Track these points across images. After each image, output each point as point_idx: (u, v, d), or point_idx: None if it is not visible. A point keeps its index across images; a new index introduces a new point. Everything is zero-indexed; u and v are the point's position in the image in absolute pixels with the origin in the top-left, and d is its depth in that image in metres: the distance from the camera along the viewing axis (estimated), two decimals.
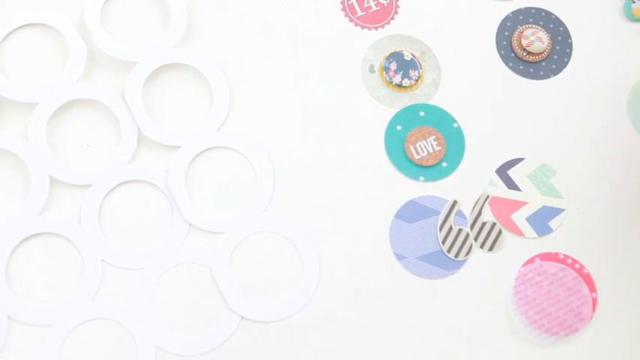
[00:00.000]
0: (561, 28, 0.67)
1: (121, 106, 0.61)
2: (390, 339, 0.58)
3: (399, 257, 0.60)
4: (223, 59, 0.64)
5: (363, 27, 0.66)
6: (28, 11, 0.63)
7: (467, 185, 0.62)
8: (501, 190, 0.62)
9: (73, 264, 0.58)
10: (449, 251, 0.60)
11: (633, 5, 0.67)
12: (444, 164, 0.62)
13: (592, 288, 0.60)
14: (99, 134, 0.62)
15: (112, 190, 0.60)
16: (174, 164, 0.60)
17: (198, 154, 0.61)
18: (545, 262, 0.60)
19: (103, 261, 0.58)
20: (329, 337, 0.58)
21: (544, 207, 0.62)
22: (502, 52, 0.66)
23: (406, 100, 0.64)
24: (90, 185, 0.60)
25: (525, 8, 0.67)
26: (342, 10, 0.66)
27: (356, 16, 0.66)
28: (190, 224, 0.60)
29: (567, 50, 0.66)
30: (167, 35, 0.63)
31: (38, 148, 0.60)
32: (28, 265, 0.58)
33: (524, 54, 0.66)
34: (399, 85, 0.64)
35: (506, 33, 0.66)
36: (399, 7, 0.67)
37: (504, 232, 0.61)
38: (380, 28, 0.66)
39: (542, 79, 0.66)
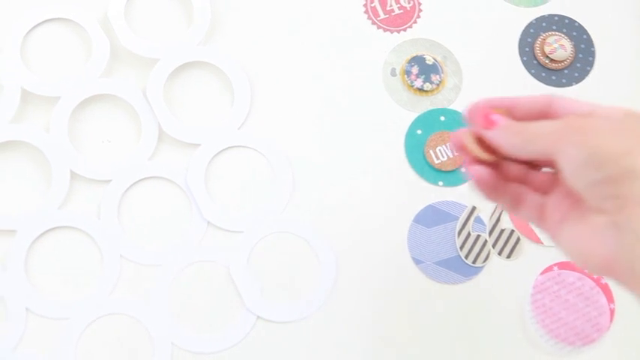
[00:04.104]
0: (585, 36, 0.67)
1: (142, 102, 0.61)
2: (406, 343, 0.58)
3: (417, 262, 0.60)
4: (245, 59, 0.64)
5: (385, 30, 0.66)
6: (52, 6, 0.63)
7: None
8: None
9: (91, 258, 0.59)
10: (467, 257, 0.60)
11: None
12: (464, 169, 0.62)
13: (610, 298, 0.60)
14: (120, 130, 0.62)
15: (131, 186, 0.60)
16: (194, 162, 0.61)
17: (218, 153, 0.61)
18: (564, 271, 0.60)
19: (121, 256, 0.59)
20: (344, 339, 0.58)
21: None
22: (524, 58, 0.66)
23: (427, 104, 0.64)
24: (110, 180, 0.60)
25: (549, 15, 0.67)
26: (365, 12, 0.66)
27: (378, 18, 0.66)
28: (209, 222, 0.60)
29: (590, 59, 0.66)
30: (190, 33, 0.63)
31: (60, 142, 0.60)
32: (47, 258, 0.58)
33: (547, 61, 0.65)
34: (421, 89, 0.64)
35: (529, 39, 0.66)
36: (421, 10, 0.67)
37: (523, 239, 0.61)
38: (402, 32, 0.66)
39: (564, 86, 0.65)
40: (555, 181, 0.45)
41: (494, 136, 0.44)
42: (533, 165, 0.47)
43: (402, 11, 0.67)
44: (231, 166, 0.61)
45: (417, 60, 0.65)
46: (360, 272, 0.60)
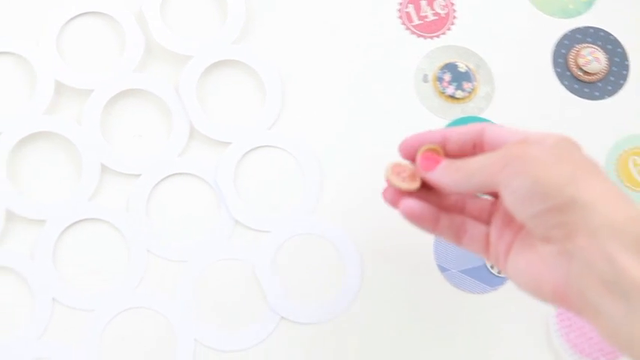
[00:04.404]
0: (619, 50, 0.66)
1: (174, 99, 0.62)
2: (428, 351, 0.58)
3: (442, 269, 0.60)
4: (278, 59, 0.64)
5: (418, 36, 0.66)
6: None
7: None
8: None
9: (118, 252, 0.59)
10: (492, 267, 0.60)
11: None
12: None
13: None
14: (151, 125, 0.62)
15: (161, 181, 0.61)
16: (224, 160, 0.61)
17: (248, 152, 0.62)
18: None
19: (148, 251, 0.59)
20: (366, 343, 0.58)
21: None
22: (558, 69, 0.66)
23: (458, 111, 0.64)
24: (140, 175, 0.60)
25: (584, 27, 0.67)
26: (399, 17, 0.66)
27: (412, 24, 0.66)
28: (236, 221, 0.60)
29: (624, 72, 0.66)
30: (224, 31, 0.63)
31: (91, 134, 0.60)
32: (75, 249, 0.59)
33: (581, 73, 0.65)
34: (452, 97, 0.64)
35: (563, 51, 0.66)
36: (455, 17, 0.67)
37: None
38: (435, 38, 0.66)
39: (596, 99, 0.65)
40: (495, 207, 0.46)
41: (435, 177, 0.45)
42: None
43: (436, 17, 0.66)
44: (261, 166, 0.62)
45: (450, 67, 0.64)
46: (385, 277, 0.60)
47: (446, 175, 0.44)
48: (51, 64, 0.61)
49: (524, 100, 0.65)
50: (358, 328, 0.58)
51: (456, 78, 0.64)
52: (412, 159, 0.47)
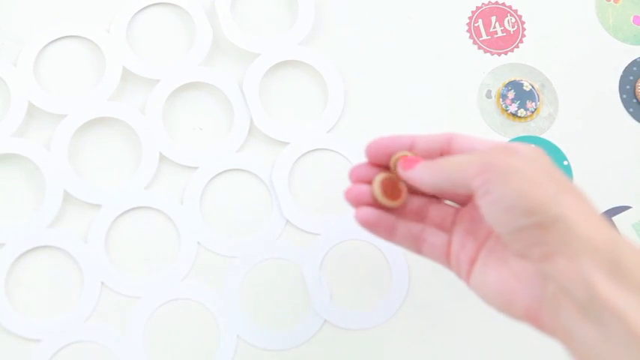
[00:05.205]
0: None
1: (237, 95, 0.62)
2: None
3: None
4: (343, 63, 0.64)
5: (485, 51, 0.65)
6: None
7: None
8: None
9: (169, 242, 0.59)
10: None
11: None
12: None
13: None
14: (212, 119, 0.63)
15: (217, 175, 0.61)
16: (281, 160, 0.61)
17: (305, 153, 0.62)
18: None
19: (198, 243, 0.59)
20: (407, 354, 0.58)
21: None
22: (624, 96, 0.64)
23: (519, 130, 0.63)
24: (197, 168, 0.61)
25: None
26: (468, 31, 0.66)
27: (480, 39, 0.66)
28: (287, 221, 0.60)
29: None
30: (292, 32, 0.64)
31: (153, 124, 0.61)
32: (128, 236, 0.59)
33: None
34: (514, 115, 0.63)
35: (631, 77, 0.65)
36: (525, 36, 0.66)
37: None
38: (502, 55, 0.65)
39: None
40: (458, 215, 0.45)
41: (414, 174, 0.44)
42: (435, 198, 0.46)
43: (505, 34, 0.66)
44: (317, 168, 0.62)
45: (514, 85, 0.64)
46: (431, 289, 0.59)
47: (425, 172, 0.43)
48: (120, 51, 0.62)
49: (587, 124, 0.64)
50: (400, 338, 0.58)
51: (519, 96, 0.63)
52: (380, 165, 0.47)
